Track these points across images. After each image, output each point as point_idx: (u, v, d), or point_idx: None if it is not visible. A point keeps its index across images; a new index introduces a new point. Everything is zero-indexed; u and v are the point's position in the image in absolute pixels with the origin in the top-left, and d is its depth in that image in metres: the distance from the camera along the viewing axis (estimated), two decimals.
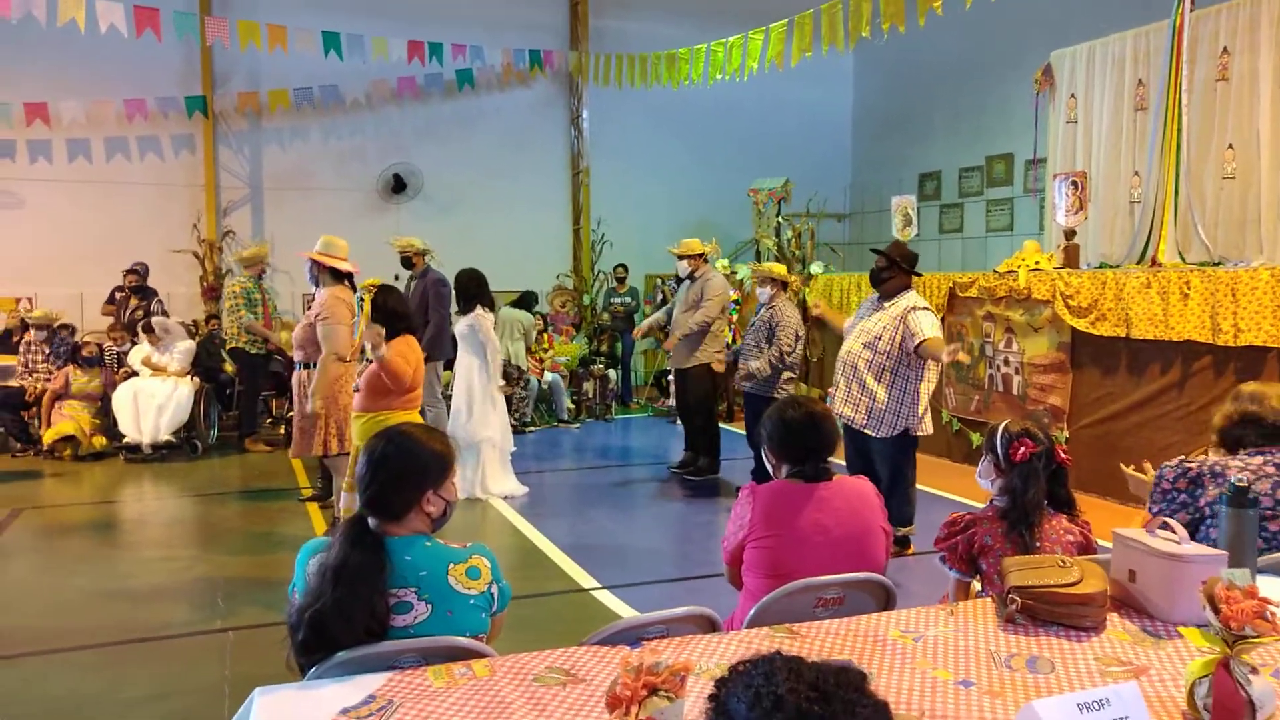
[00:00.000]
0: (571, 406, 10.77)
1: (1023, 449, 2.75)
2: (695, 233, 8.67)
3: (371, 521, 2.24)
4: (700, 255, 7.62)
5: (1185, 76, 6.99)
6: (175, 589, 5.10)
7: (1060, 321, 6.97)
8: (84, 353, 8.74)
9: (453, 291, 7.33)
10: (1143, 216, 7.48)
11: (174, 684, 3.91)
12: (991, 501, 2.86)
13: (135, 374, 8.70)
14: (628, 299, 11.80)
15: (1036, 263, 7.37)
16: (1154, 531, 2.36)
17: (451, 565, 2.22)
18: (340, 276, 5.73)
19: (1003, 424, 2.89)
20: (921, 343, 5.19)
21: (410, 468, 2.28)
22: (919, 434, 5.46)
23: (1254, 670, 1.76)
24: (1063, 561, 2.34)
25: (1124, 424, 6.55)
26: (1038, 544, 2.70)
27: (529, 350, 10.33)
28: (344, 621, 2.06)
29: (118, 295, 9.72)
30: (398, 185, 11.64)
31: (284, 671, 2.14)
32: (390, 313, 5.03)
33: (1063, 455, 2.82)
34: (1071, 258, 7.42)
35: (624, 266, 11.87)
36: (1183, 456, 3.03)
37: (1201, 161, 7.53)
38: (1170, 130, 7.07)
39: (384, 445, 2.31)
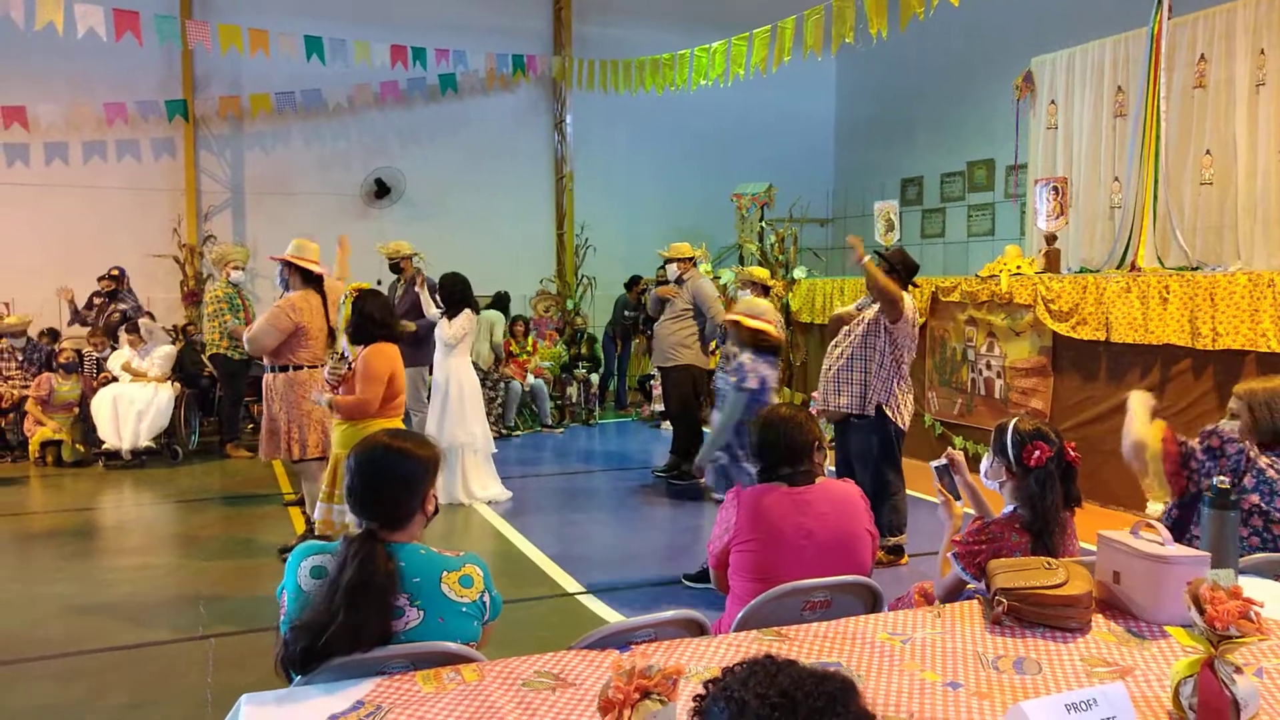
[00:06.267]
0: (555, 411, 10.76)
1: (1038, 453, 2.61)
2: (679, 237, 8.65)
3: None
4: (690, 259, 7.63)
5: (1163, 83, 7.07)
6: (155, 596, 5.05)
7: (1041, 325, 7.02)
8: (61, 359, 8.66)
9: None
10: (1122, 222, 7.54)
11: (155, 693, 3.87)
12: (1015, 510, 2.70)
13: (114, 379, 8.62)
14: (635, 313, 11.57)
15: (1018, 267, 7.42)
16: (1138, 533, 2.38)
17: (445, 573, 2.22)
18: (310, 279, 5.71)
19: (1011, 423, 2.72)
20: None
21: (413, 475, 2.30)
22: (895, 422, 5.34)
23: (1238, 670, 1.77)
24: (1048, 564, 2.36)
25: (1105, 427, 6.60)
26: (1061, 550, 2.64)
27: (497, 355, 10.16)
28: (354, 640, 2.05)
29: (95, 300, 9.63)
30: (380, 190, 11.60)
31: (266, 679, 2.12)
32: (369, 318, 4.95)
33: (1072, 453, 2.70)
34: (1052, 262, 7.49)
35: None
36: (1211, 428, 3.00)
37: (1180, 167, 7.62)
38: (1149, 136, 7.14)
39: (380, 456, 2.30)
